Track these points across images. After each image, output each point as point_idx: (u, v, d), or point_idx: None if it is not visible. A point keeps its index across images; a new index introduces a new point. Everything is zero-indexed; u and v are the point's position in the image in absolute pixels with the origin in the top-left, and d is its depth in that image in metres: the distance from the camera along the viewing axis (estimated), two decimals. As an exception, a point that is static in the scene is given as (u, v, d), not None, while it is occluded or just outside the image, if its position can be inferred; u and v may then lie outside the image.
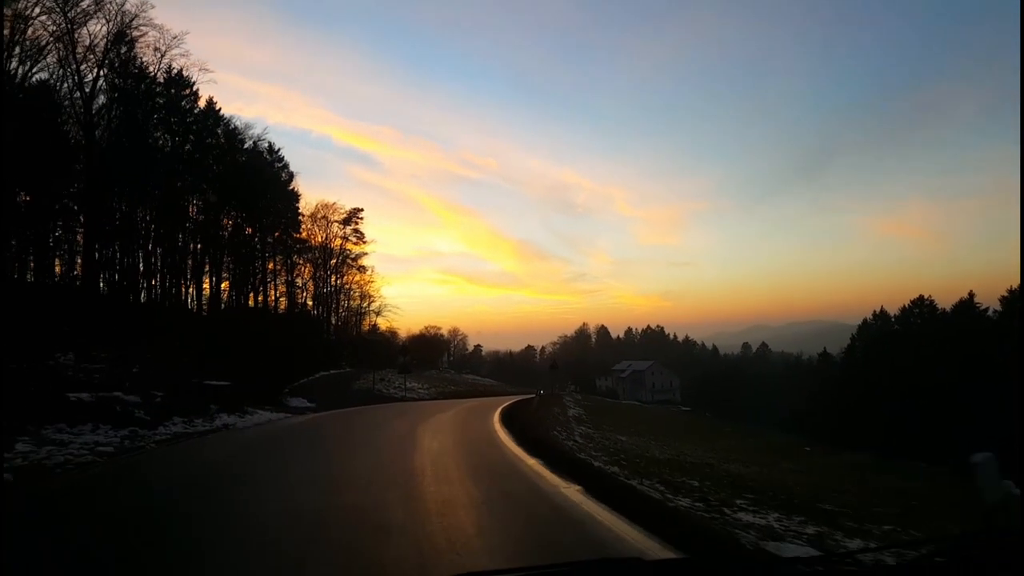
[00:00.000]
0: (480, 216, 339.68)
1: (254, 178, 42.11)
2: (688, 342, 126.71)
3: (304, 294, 53.86)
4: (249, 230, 44.29)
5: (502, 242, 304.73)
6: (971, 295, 39.88)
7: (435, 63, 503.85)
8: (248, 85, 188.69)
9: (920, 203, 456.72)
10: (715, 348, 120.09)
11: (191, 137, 39.32)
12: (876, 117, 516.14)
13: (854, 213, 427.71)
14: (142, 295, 34.98)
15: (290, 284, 50.36)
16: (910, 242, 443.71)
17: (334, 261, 54.83)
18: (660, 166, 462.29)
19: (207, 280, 40.66)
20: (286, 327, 37.64)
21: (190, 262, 39.17)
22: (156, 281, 36.47)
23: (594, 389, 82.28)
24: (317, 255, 53.03)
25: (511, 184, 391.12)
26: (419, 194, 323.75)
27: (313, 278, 53.51)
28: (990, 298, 43.69)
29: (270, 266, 47.52)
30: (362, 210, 55.12)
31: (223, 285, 41.87)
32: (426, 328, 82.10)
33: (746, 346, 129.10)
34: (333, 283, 55.15)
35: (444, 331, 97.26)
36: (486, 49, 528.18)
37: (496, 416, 16.39)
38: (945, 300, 48.71)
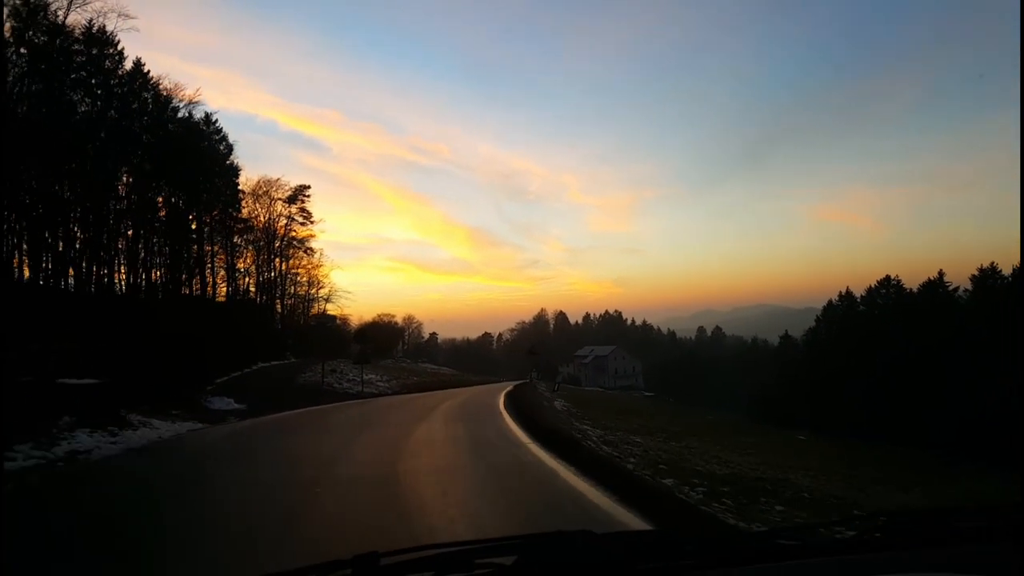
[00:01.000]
0: (431, 202, 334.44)
1: (188, 150, 37.70)
2: (646, 327, 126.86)
3: (247, 280, 49.60)
4: (184, 208, 39.79)
5: (455, 229, 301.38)
6: (941, 274, 39.55)
7: (382, 46, 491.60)
8: (188, 68, 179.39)
9: (858, 190, 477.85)
10: (673, 333, 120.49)
11: (115, 102, 34.63)
12: (816, 106, 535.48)
13: (795, 200, 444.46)
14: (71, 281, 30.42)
15: (230, 268, 46.00)
16: (849, 228, 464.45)
17: (278, 243, 50.63)
18: (611, 153, 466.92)
19: (139, 263, 36.17)
20: (224, 315, 33.66)
21: (120, 244, 34.63)
22: (86, 266, 31.86)
23: (556, 374, 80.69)
24: (260, 236, 48.74)
25: (463, 170, 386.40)
26: (368, 180, 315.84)
27: (256, 262, 49.23)
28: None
29: (208, 248, 43.13)
30: (309, 187, 51.11)
31: (155, 271, 37.45)
32: (379, 316, 78.39)
33: (701, 330, 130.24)
34: (278, 267, 50.96)
35: (398, 319, 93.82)
36: (435, 32, 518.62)
37: (513, 425, 12.24)
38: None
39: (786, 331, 63.98)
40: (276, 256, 50.64)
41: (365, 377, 31.90)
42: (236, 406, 18.34)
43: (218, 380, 21.91)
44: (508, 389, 28.32)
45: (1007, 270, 37.72)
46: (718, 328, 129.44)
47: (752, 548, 1.55)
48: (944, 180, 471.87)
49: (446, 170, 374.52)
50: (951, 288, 39.41)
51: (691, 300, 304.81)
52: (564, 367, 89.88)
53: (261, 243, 49.80)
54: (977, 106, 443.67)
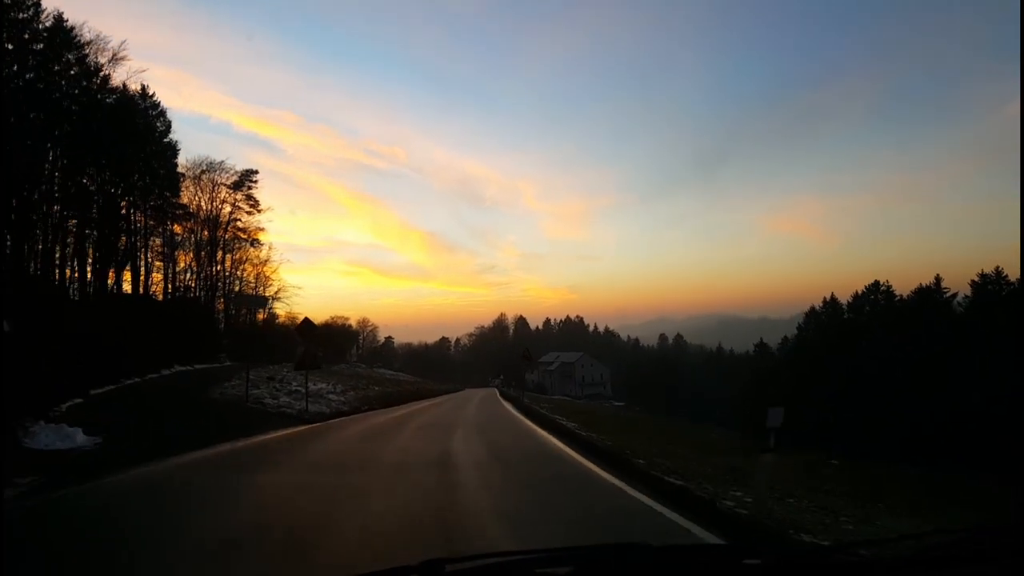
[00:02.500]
0: (387, 206, 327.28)
1: (121, 125, 32.19)
2: (609, 333, 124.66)
3: (188, 276, 43.68)
4: (114, 191, 34.00)
5: (410, 233, 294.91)
6: (938, 279, 37.77)
7: (338, 48, 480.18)
8: (141, 64, 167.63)
9: (808, 201, 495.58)
10: (636, 340, 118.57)
11: (31, 60, 28.81)
12: (768, 118, 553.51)
13: (748, 211, 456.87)
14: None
15: (167, 259, 40.20)
16: (800, 238, 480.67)
17: (222, 232, 44.90)
18: (565, 160, 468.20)
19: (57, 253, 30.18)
20: (147, 313, 28.22)
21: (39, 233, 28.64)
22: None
23: (524, 383, 76.75)
24: (200, 224, 42.94)
25: (419, 174, 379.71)
26: (323, 182, 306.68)
27: (196, 254, 43.37)
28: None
29: (140, 240, 37.30)
30: (256, 172, 45.71)
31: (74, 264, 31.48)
32: (333, 318, 72.82)
33: (663, 338, 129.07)
34: (221, 260, 45.18)
35: (352, 322, 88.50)
36: (390, 37, 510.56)
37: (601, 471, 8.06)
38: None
39: (761, 339, 62.17)
40: (220, 248, 44.88)
41: (314, 387, 22.65)
42: (81, 442, 9.87)
43: (95, 392, 14.77)
44: (490, 399, 24.68)
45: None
46: (680, 336, 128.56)
47: (816, 564, 1.56)
48: (893, 191, 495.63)
49: (402, 174, 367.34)
50: (949, 294, 37.65)
51: (644, 307, 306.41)
52: (529, 374, 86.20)
53: (202, 233, 44.00)
54: (926, 119, 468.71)
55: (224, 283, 46.70)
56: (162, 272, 40.52)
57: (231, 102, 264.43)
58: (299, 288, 50.10)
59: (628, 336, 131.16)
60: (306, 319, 22.25)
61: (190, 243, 42.59)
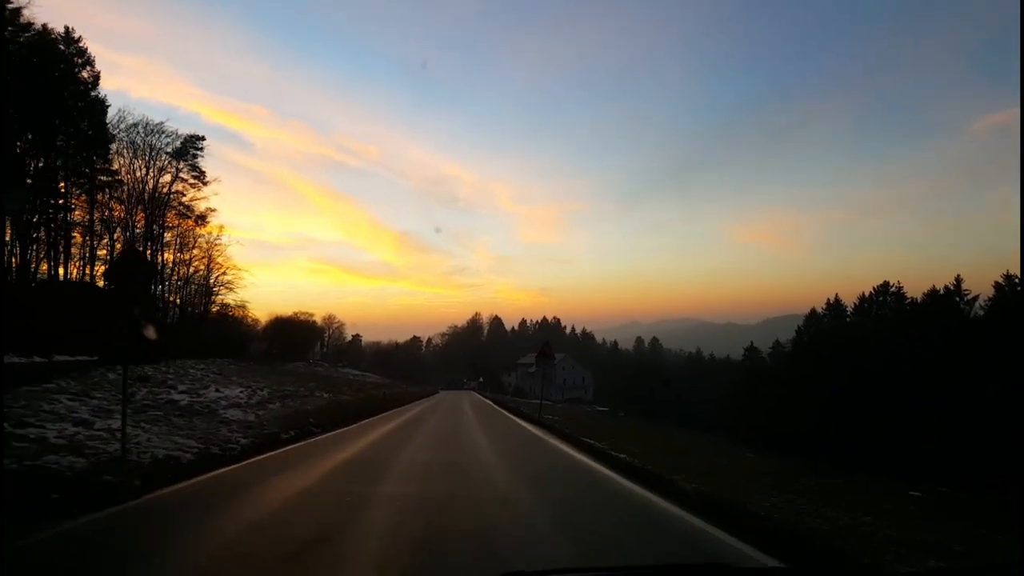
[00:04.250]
0: (359, 204, 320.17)
1: (38, 74, 26.87)
2: (587, 336, 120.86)
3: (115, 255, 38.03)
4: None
5: (382, 232, 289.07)
6: (958, 280, 34.55)
7: (315, 45, 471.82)
8: (108, 55, 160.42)
9: (778, 213, 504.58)
10: (615, 343, 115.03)
11: None
12: (741, 131, 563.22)
13: (718, 220, 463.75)
14: None
15: (89, 232, 34.56)
16: (767, 248, 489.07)
17: (165, 210, 39.39)
18: (543, 165, 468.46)
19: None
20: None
21: None
22: None
23: (501, 386, 72.18)
24: (131, 193, 37.33)
25: (392, 173, 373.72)
26: (293, 178, 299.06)
27: (126, 232, 37.75)
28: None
29: (57, 215, 31.72)
30: (203, 139, 40.10)
31: None
32: (296, 313, 67.30)
33: (639, 341, 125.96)
34: (157, 239, 39.58)
35: (317, 318, 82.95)
36: (370, 35, 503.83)
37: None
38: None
39: (751, 342, 59.04)
40: (159, 227, 39.29)
41: (216, 394, 15.64)
42: None
43: None
44: (485, 412, 18.55)
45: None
46: (656, 340, 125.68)
47: None
48: (858, 206, 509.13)
49: (375, 172, 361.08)
50: (969, 297, 34.51)
51: (616, 311, 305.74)
52: (506, 376, 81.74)
53: (136, 210, 38.40)
54: (893, 139, 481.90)
55: (165, 267, 41.11)
56: (87, 250, 34.90)
57: (202, 94, 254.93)
58: (248, 271, 44.40)
59: (604, 339, 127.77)
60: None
61: (120, 220, 37.00)
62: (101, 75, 34.13)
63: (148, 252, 39.02)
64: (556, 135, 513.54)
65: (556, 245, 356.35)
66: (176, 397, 14.76)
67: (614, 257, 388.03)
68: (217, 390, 15.45)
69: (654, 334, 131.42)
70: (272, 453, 9.63)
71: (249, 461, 8.57)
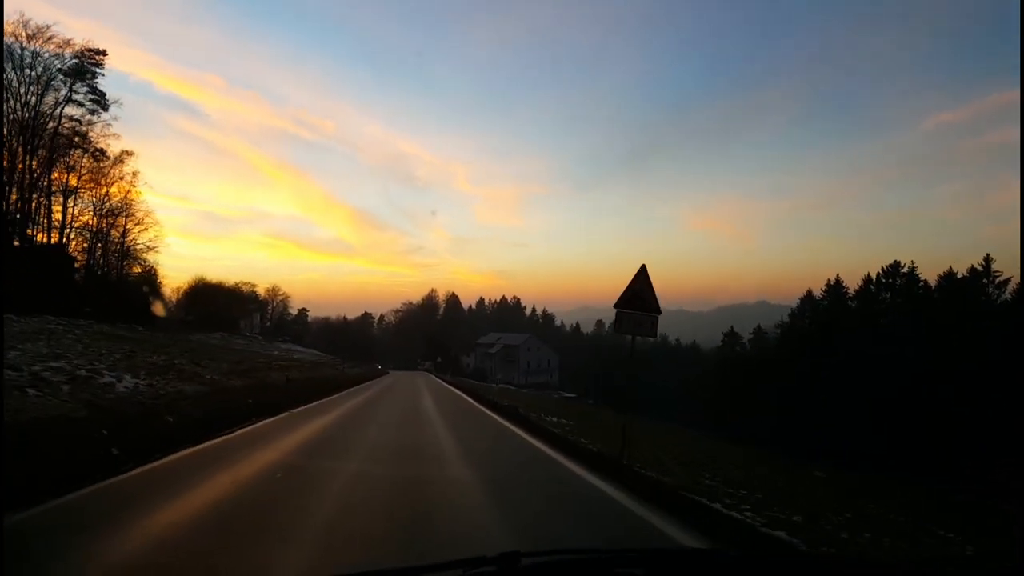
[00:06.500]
0: (314, 179, 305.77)
1: None
2: (547, 316, 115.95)
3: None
4: None
5: (337, 208, 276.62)
6: (987, 260, 30.55)
7: (272, 13, 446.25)
8: (56, 16, 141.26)
9: (730, 201, 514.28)
10: (577, 325, 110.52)
11: None
12: (696, 118, 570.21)
13: (672, 206, 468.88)
14: None
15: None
16: (719, 236, 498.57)
17: (51, 138, 31.43)
18: (502, 146, 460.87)
19: None
20: None
21: None
22: None
23: (460, 367, 66.24)
24: (13, 123, 29.31)
25: (349, 148, 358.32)
26: (246, 150, 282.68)
27: (10, 172, 29.75)
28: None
29: None
30: (103, 53, 32.26)
31: None
32: (237, 284, 59.62)
33: (599, 324, 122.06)
34: (40, 174, 31.70)
35: (260, 289, 75.22)
36: (329, 5, 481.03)
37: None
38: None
39: (731, 327, 55.13)
40: (38, 157, 31.31)
41: None
42: None
43: None
44: (449, 401, 12.46)
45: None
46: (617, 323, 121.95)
47: None
48: (808, 197, 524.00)
49: (331, 147, 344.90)
50: (1001, 279, 30.59)
51: (571, 294, 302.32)
52: (465, 357, 75.88)
53: (15, 139, 30.37)
54: (845, 132, 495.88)
55: (52, 205, 33.11)
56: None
57: (154, 60, 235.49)
58: (158, 223, 36.67)
59: (562, 322, 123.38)
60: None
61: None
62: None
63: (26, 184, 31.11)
64: (516, 118, 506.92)
65: (513, 227, 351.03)
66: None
67: (572, 240, 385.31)
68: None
69: (609, 317, 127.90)
70: None
71: None
